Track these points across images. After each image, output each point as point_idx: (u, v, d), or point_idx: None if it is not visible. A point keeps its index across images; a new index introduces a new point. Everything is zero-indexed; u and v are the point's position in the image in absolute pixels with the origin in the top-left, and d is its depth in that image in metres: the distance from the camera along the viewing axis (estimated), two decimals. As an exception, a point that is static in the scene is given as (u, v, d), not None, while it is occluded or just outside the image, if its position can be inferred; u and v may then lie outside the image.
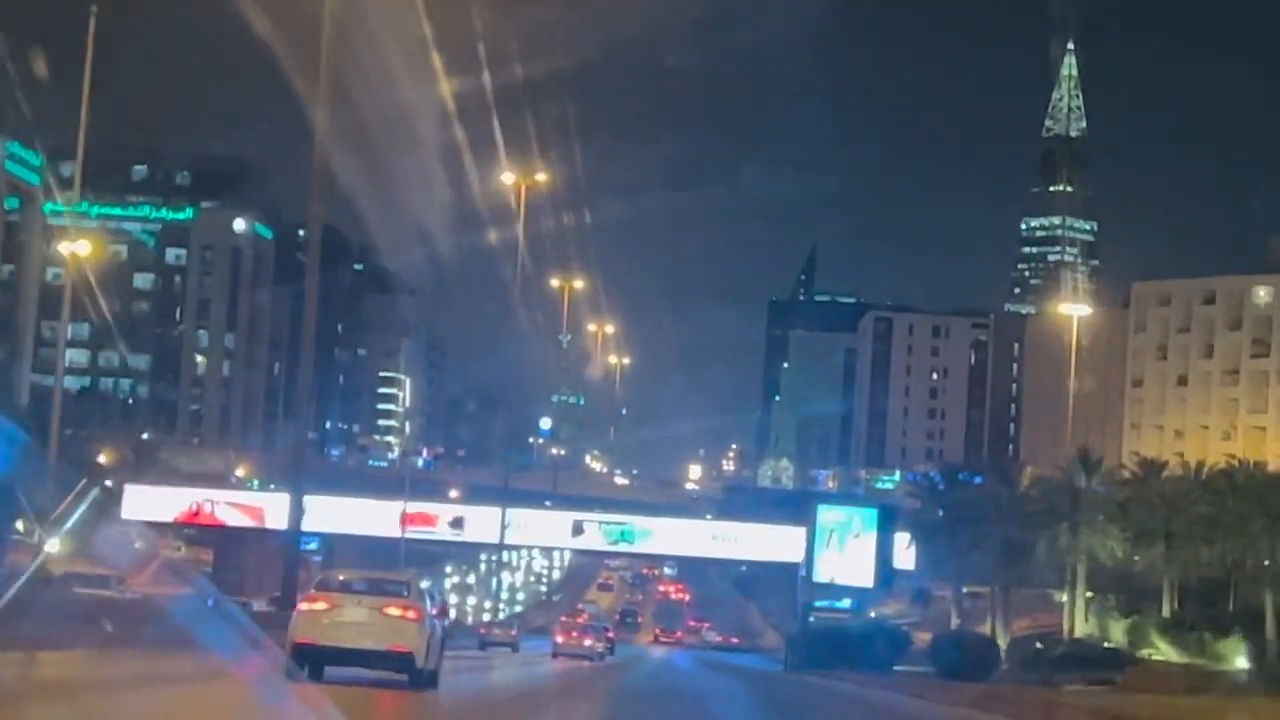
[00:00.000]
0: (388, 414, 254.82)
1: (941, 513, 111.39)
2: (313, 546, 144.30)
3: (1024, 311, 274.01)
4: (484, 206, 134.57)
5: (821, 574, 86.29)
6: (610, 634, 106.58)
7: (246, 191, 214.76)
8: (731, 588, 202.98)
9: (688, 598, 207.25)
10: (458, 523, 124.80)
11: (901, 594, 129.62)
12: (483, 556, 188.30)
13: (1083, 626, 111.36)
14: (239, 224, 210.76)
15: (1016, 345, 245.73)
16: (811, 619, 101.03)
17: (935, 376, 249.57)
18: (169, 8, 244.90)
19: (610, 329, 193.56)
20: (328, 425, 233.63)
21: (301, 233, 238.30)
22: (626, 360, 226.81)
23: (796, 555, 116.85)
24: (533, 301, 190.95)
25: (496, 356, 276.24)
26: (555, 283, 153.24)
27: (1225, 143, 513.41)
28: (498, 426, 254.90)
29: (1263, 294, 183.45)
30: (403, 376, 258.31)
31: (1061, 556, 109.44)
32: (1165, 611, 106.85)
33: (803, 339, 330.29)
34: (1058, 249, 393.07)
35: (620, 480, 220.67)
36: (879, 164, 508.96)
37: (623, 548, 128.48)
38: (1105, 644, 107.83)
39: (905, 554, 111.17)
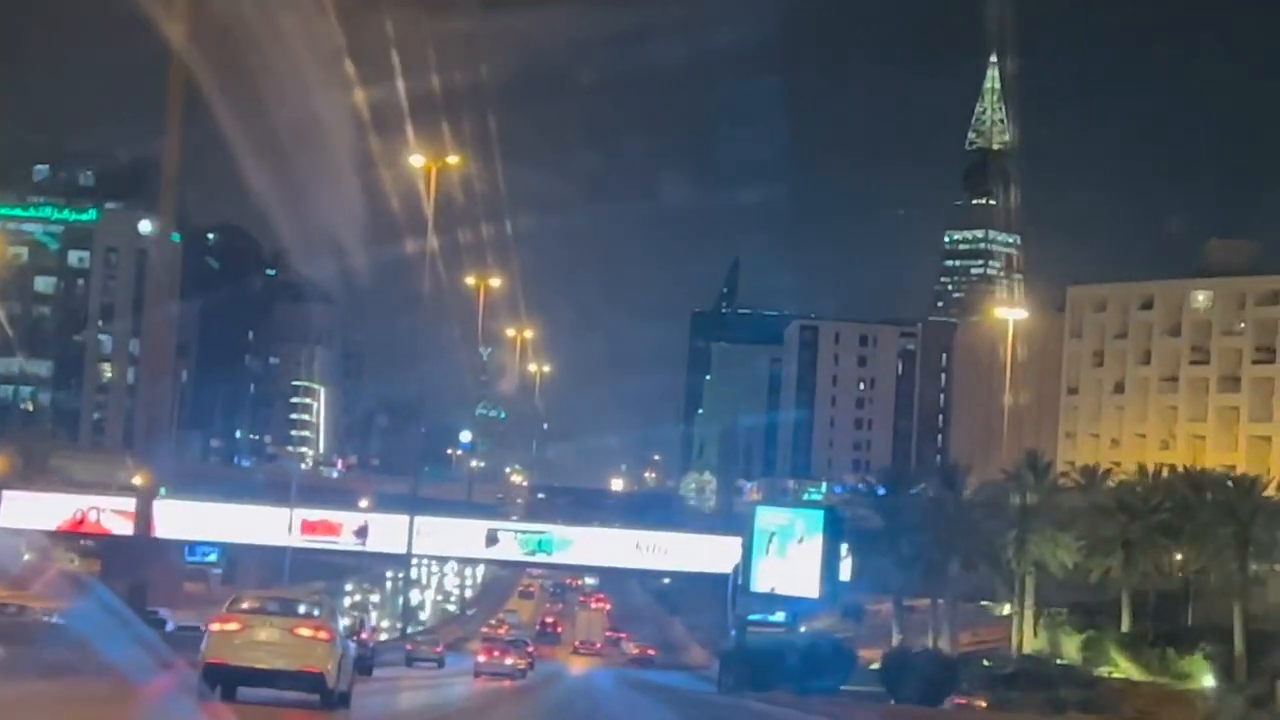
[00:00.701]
0: (301, 424, 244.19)
1: (882, 521, 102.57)
2: (212, 558, 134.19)
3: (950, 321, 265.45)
4: (400, 214, 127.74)
5: (760, 583, 76.18)
6: (531, 649, 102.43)
7: (153, 193, 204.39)
8: (653, 601, 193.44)
9: (608, 608, 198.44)
10: (362, 532, 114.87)
11: (832, 608, 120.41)
12: (389, 574, 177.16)
13: (1031, 642, 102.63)
14: (145, 226, 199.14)
15: (945, 355, 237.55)
16: (748, 634, 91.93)
17: (862, 387, 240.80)
18: (76, 5, 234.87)
19: (529, 333, 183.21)
20: (238, 434, 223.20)
21: (211, 236, 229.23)
22: (546, 369, 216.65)
23: (726, 566, 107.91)
24: (451, 311, 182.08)
25: (415, 367, 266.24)
26: (470, 280, 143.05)
27: (1161, 149, 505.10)
28: (414, 438, 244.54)
29: (1201, 298, 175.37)
30: (317, 386, 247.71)
31: (1009, 567, 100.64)
32: (1124, 625, 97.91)
33: (726, 351, 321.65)
34: (981, 262, 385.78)
35: (540, 496, 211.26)
36: (801, 177, 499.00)
37: (540, 558, 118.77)
38: (1058, 661, 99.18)
39: (841, 565, 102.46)
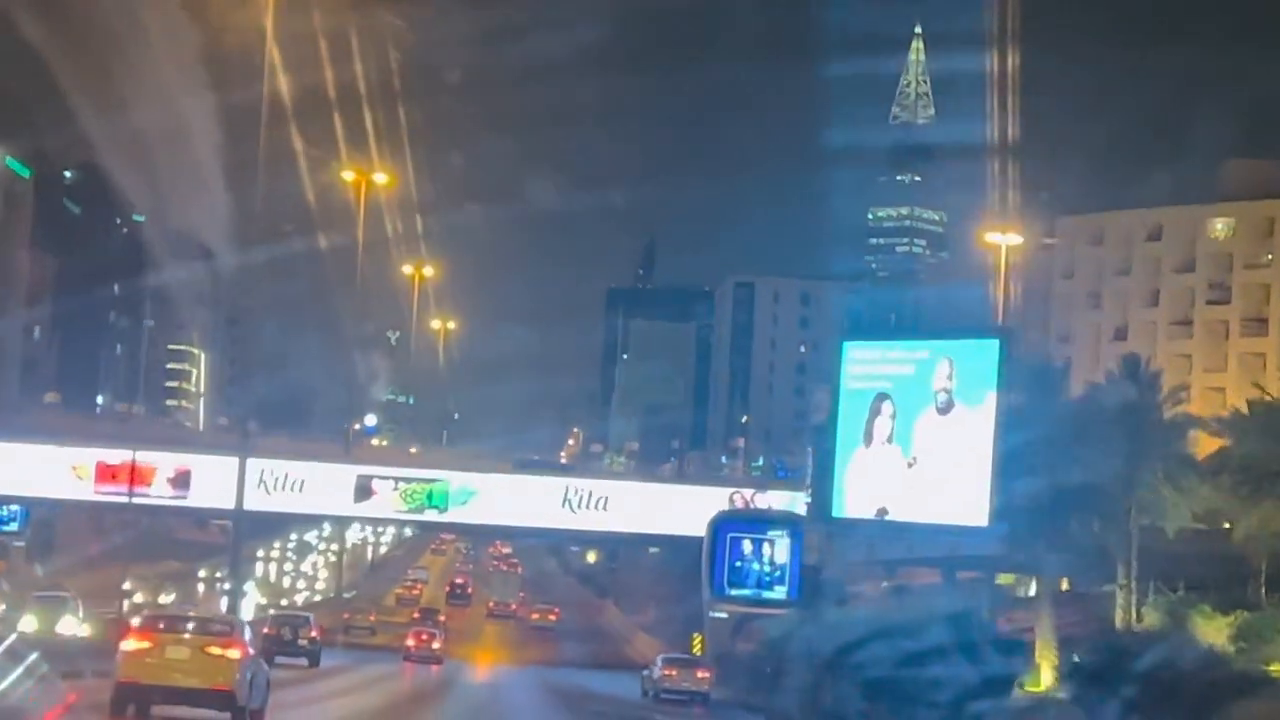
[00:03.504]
0: (177, 392, 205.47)
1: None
2: (13, 527, 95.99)
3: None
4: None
5: (852, 501, 38.65)
6: (443, 619, 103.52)
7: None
8: (577, 583, 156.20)
9: (521, 570, 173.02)
10: (182, 480, 77.34)
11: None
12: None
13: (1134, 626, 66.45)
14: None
15: (894, 315, 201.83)
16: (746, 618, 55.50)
17: (804, 349, 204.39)
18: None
19: (430, 271, 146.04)
20: (99, 400, 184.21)
21: (69, 174, 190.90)
22: (452, 325, 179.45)
23: (691, 526, 71.91)
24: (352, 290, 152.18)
25: (313, 340, 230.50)
26: (349, 176, 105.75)
27: (1162, 68, 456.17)
28: (310, 414, 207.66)
29: (1220, 226, 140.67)
30: (197, 351, 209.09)
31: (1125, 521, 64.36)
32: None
33: (644, 329, 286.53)
34: (906, 240, 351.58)
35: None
36: (717, 159, 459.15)
37: (430, 516, 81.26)
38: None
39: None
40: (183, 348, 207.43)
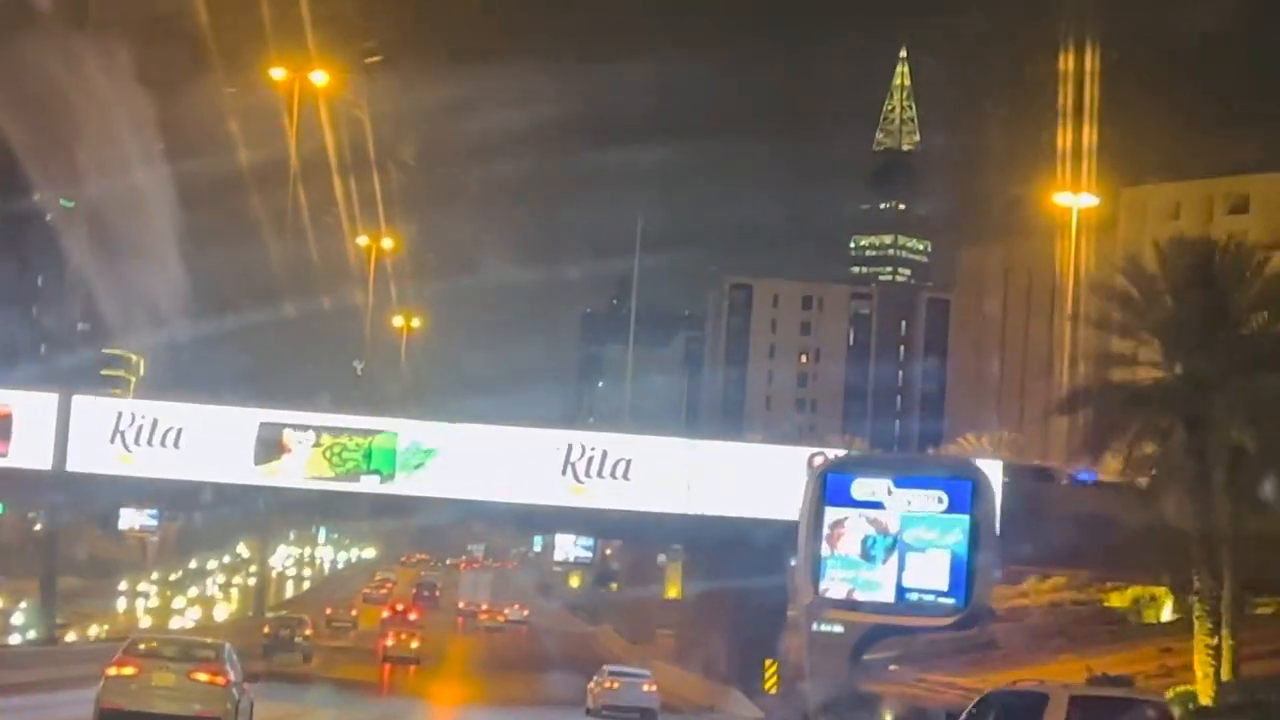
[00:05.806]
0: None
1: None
2: None
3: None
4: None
5: None
6: (414, 617, 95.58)
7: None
8: (564, 611, 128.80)
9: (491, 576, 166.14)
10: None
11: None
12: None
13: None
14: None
15: (904, 322, 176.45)
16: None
17: (804, 359, 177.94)
18: None
19: (389, 243, 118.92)
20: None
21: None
22: (416, 322, 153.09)
23: (767, 504, 45.39)
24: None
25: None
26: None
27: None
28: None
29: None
30: (135, 358, 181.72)
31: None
32: None
33: (620, 354, 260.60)
34: (889, 270, 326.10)
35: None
36: (690, 180, 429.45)
37: (369, 485, 53.88)
38: None
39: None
40: (118, 353, 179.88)
